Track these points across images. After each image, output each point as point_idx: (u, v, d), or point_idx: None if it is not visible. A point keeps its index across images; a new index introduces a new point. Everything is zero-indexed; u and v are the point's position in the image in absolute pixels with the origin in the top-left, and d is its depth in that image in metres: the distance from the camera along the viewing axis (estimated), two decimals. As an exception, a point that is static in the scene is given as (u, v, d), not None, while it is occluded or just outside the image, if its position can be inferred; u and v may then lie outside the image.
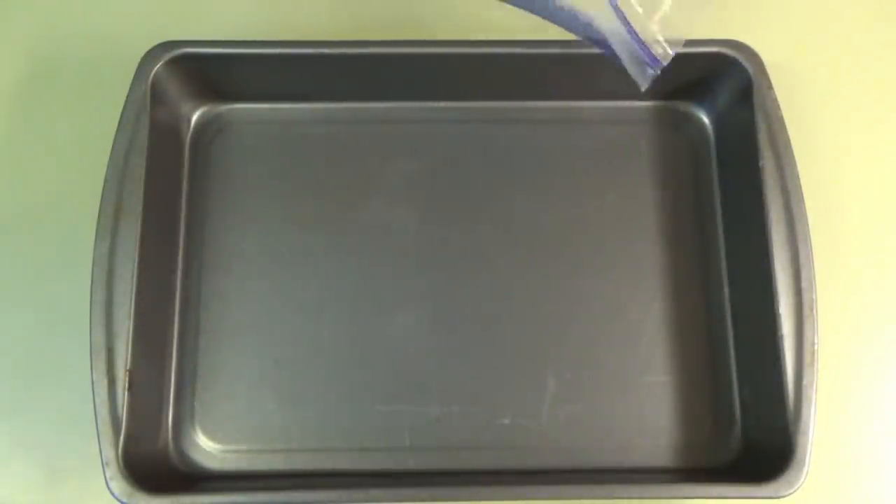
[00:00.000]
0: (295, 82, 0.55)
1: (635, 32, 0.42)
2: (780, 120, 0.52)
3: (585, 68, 0.53)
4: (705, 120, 0.58)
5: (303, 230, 0.55)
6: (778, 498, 0.46)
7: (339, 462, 0.51)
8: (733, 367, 0.53)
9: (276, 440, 0.51)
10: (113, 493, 0.45)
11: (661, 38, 0.44)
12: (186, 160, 0.56)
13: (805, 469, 0.46)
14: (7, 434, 0.52)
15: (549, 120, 0.57)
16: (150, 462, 0.49)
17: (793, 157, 0.51)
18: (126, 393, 0.47)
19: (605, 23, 0.45)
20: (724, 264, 0.54)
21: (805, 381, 0.48)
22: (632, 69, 0.46)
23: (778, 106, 0.52)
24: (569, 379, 0.52)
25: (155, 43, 0.52)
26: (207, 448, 0.51)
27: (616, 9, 0.42)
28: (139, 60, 0.51)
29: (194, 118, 0.57)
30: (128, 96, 0.51)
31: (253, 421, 0.52)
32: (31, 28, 0.59)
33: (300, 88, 0.56)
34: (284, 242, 0.54)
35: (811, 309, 0.49)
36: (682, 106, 0.58)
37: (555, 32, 0.51)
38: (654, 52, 0.43)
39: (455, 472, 0.51)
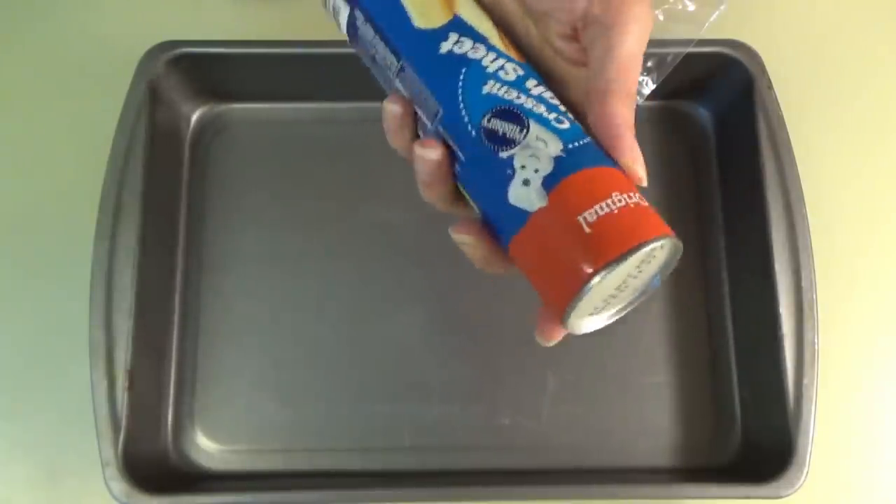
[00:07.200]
0: (294, 82, 0.55)
1: None
2: (780, 120, 0.52)
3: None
4: (706, 119, 0.57)
5: (302, 230, 0.55)
6: (778, 498, 0.46)
7: (339, 462, 0.51)
8: (733, 367, 0.53)
9: (276, 440, 0.51)
10: (112, 493, 0.45)
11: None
12: (186, 160, 0.56)
13: (805, 469, 0.46)
14: (8, 434, 0.51)
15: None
16: (149, 462, 0.49)
17: (793, 157, 0.51)
18: (126, 393, 0.47)
19: None
20: (724, 264, 0.54)
21: (805, 381, 0.48)
22: None
23: (778, 106, 0.52)
24: (569, 379, 0.52)
25: (155, 43, 0.52)
26: (207, 448, 0.51)
27: None
28: (139, 60, 0.51)
29: (194, 118, 0.57)
30: (128, 96, 0.51)
31: (253, 421, 0.52)
32: (32, 28, 0.59)
33: (300, 88, 0.56)
34: (284, 242, 0.54)
35: (811, 309, 0.49)
36: (683, 106, 0.57)
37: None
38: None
39: (455, 472, 0.51)
